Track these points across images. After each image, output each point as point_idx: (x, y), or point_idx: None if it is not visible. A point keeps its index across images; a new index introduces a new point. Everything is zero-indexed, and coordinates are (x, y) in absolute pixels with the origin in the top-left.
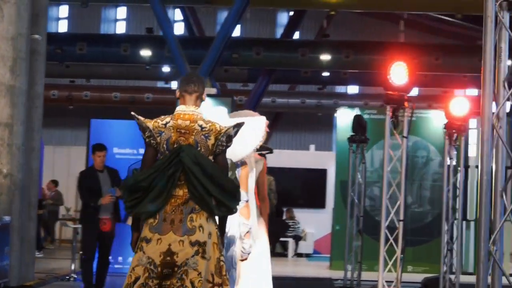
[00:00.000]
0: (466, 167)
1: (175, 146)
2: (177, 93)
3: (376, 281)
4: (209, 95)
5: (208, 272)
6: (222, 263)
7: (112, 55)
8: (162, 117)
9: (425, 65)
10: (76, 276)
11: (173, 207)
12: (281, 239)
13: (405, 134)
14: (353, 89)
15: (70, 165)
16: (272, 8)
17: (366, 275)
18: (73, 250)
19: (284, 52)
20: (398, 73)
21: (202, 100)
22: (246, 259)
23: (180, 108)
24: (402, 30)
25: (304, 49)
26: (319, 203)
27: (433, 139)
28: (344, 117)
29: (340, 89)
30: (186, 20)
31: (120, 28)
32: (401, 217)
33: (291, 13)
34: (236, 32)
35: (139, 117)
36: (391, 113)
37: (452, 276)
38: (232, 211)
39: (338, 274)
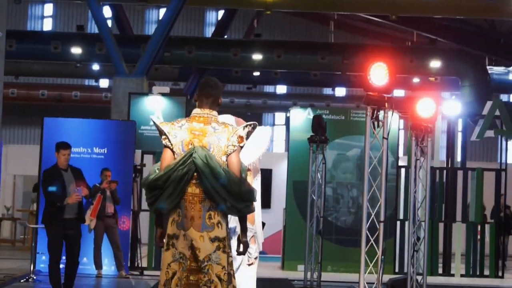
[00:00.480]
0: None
1: (190, 146)
2: (195, 97)
3: (344, 282)
4: (162, 94)
5: (227, 266)
6: (231, 258)
7: (42, 53)
8: (179, 119)
9: (356, 65)
10: (35, 277)
11: (192, 205)
12: None
13: (385, 135)
14: (281, 89)
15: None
16: (202, 6)
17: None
18: (32, 251)
19: (217, 51)
20: (378, 74)
21: (218, 104)
22: (252, 263)
23: (195, 111)
24: (332, 31)
25: (236, 48)
26: (264, 203)
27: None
28: (296, 117)
29: (268, 88)
30: (116, 18)
31: (47, 25)
32: (382, 219)
33: (221, 12)
34: None
35: (157, 121)
36: (372, 114)
37: (419, 277)
38: (242, 211)
39: (292, 274)
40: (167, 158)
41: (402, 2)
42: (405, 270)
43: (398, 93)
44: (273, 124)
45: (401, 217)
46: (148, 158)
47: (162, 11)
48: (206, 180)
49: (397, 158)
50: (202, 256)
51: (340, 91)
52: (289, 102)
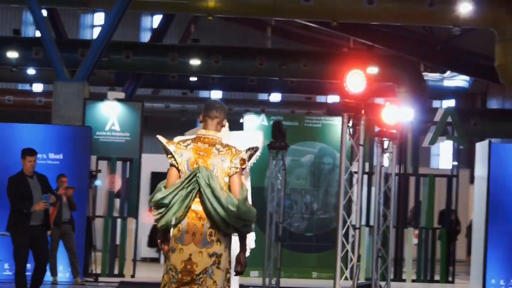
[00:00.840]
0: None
1: (195, 166)
2: (200, 117)
3: None
4: (118, 100)
5: (223, 281)
6: (229, 274)
7: None
8: (185, 138)
9: (293, 71)
10: None
11: (195, 221)
12: None
13: (361, 142)
14: (216, 94)
15: None
16: (137, 11)
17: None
18: None
19: (154, 56)
20: (355, 81)
21: (222, 125)
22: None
23: (201, 132)
24: (269, 37)
25: (174, 53)
26: None
27: (339, 146)
28: (250, 124)
29: (203, 94)
30: (52, 22)
31: None
32: (357, 225)
33: (156, 17)
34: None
35: (163, 141)
36: (348, 121)
37: (383, 283)
38: (241, 231)
39: (246, 280)
40: (173, 176)
41: (343, 9)
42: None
43: (334, 99)
44: None
45: (354, 222)
46: (103, 164)
47: (97, 15)
48: (207, 199)
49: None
50: (199, 270)
51: (276, 97)
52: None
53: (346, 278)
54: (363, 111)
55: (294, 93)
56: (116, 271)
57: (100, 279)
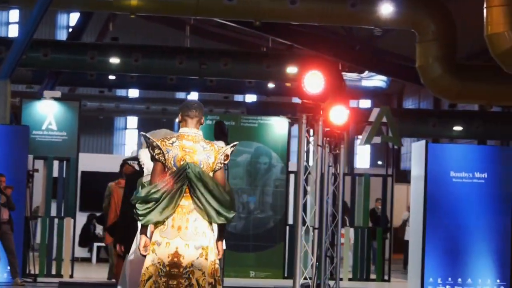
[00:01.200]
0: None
1: (181, 162)
2: (179, 117)
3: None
4: (55, 98)
5: (212, 272)
6: (217, 265)
7: None
8: (168, 137)
9: (213, 71)
10: None
11: (180, 215)
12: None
13: (319, 143)
14: (134, 93)
15: None
16: (55, 9)
17: None
18: None
19: (73, 54)
20: (313, 82)
21: (201, 123)
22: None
23: (183, 130)
24: (188, 36)
25: (93, 51)
26: None
27: (275, 146)
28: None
29: (121, 92)
30: None
31: None
32: (316, 225)
33: (72, 15)
34: (14, 32)
35: (150, 136)
36: (306, 122)
37: (331, 282)
38: (229, 219)
39: None
40: (159, 172)
41: (266, 9)
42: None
43: (252, 98)
44: (125, 128)
45: (291, 222)
46: (39, 163)
47: (12, 12)
48: (199, 193)
49: (287, 164)
50: (185, 263)
51: (193, 96)
52: (142, 106)
53: (284, 277)
54: (321, 112)
55: (212, 92)
56: (53, 271)
57: (39, 279)
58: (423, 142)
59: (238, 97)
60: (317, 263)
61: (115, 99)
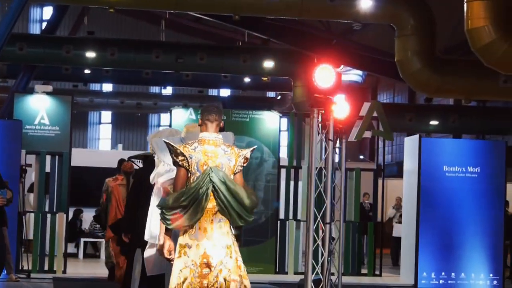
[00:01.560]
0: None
1: (204, 167)
2: (200, 121)
3: None
4: (47, 93)
5: (236, 268)
6: (239, 262)
7: None
8: (190, 142)
9: (189, 65)
10: None
11: (205, 218)
12: (94, 240)
13: (330, 137)
14: (108, 87)
15: None
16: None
17: None
18: None
19: (48, 48)
20: (324, 76)
21: (220, 127)
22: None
23: (203, 135)
24: (163, 30)
25: (69, 45)
26: None
27: (266, 140)
28: (178, 118)
29: (95, 86)
30: None
31: None
32: (328, 220)
33: (46, 8)
34: None
35: (173, 144)
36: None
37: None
38: (249, 222)
39: None
40: (183, 177)
41: (245, 3)
42: (286, 270)
43: (226, 92)
44: (100, 123)
45: (282, 217)
46: (31, 158)
47: None
48: (223, 196)
49: (278, 159)
50: (214, 262)
51: (168, 90)
52: (116, 100)
53: (276, 272)
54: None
55: (188, 86)
56: (46, 267)
57: (32, 275)
58: (416, 136)
59: (212, 91)
60: (328, 258)
61: (89, 93)
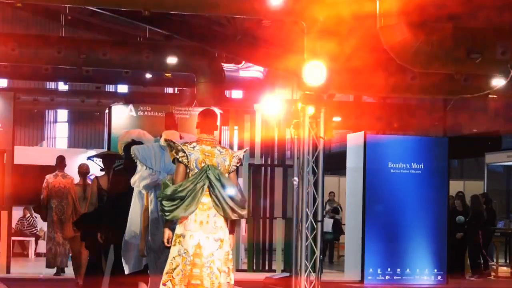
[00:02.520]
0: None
1: (202, 165)
2: (197, 124)
3: None
4: None
5: (227, 261)
6: (230, 256)
7: None
8: (189, 141)
9: (92, 60)
10: None
11: (201, 211)
12: (24, 238)
13: (321, 134)
14: (2, 83)
15: None
16: None
17: None
18: None
19: None
20: (313, 73)
21: (216, 129)
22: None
23: (202, 136)
24: (63, 25)
25: None
26: None
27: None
28: (118, 114)
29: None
30: None
31: None
32: (319, 218)
33: None
34: None
35: (174, 141)
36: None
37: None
38: (242, 216)
39: None
40: (182, 173)
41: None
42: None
43: (123, 88)
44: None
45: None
46: None
47: None
48: (218, 192)
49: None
50: (206, 253)
51: (64, 86)
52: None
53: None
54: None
55: (86, 82)
56: None
57: None
58: (361, 133)
59: (109, 87)
60: (321, 256)
61: None
